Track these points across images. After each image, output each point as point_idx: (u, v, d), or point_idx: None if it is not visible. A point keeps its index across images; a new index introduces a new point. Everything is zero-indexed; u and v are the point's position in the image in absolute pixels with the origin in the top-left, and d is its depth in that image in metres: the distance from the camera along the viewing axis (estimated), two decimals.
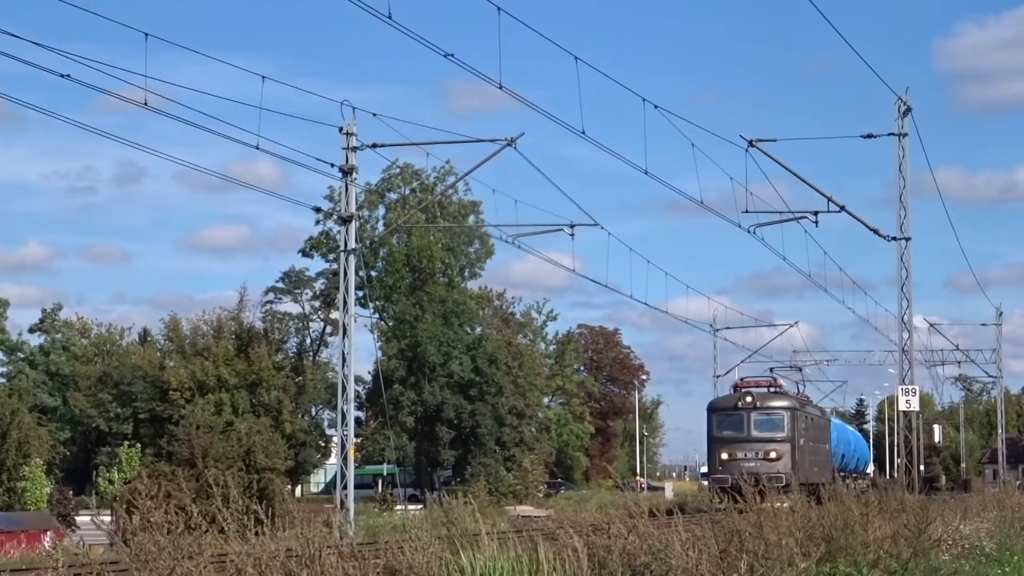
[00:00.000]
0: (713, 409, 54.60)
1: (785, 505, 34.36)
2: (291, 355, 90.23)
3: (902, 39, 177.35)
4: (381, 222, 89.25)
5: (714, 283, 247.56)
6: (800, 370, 67.48)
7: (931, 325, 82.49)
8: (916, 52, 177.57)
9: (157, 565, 10.53)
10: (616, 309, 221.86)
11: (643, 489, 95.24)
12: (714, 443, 52.39)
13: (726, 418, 52.61)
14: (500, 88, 29.52)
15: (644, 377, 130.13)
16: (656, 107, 36.40)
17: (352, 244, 39.29)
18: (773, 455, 50.50)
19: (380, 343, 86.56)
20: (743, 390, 53.71)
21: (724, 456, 50.99)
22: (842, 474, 64.58)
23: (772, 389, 54.93)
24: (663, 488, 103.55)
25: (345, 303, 39.56)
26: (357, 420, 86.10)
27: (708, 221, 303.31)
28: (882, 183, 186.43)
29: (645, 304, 54.03)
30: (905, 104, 45.16)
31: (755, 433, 51.28)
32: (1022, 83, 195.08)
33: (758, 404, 52.13)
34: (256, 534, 11.00)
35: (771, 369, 65.26)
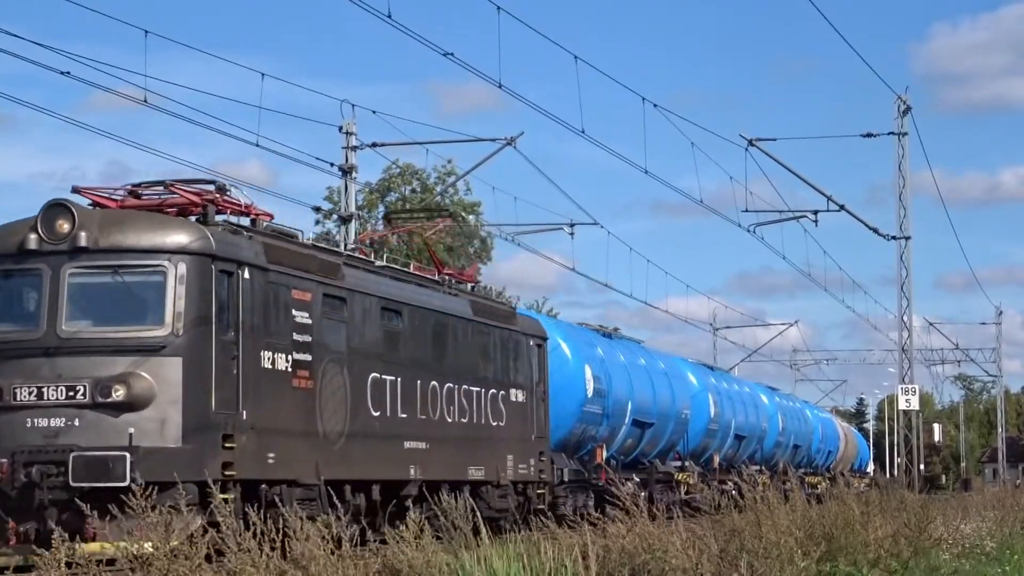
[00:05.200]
0: None
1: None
2: None
3: (878, 41, 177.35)
4: (380, 223, 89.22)
5: (708, 283, 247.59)
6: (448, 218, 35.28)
7: (931, 324, 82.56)
8: (892, 54, 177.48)
9: (154, 566, 10.50)
10: (608, 308, 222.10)
11: None
12: None
13: None
14: (500, 87, 29.42)
15: None
16: (656, 106, 36.30)
17: (352, 244, 39.24)
18: (120, 393, 17.32)
19: None
20: (53, 207, 17.86)
21: None
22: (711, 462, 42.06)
23: (159, 208, 18.83)
24: None
25: None
26: None
27: (704, 220, 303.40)
28: (870, 183, 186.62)
29: (645, 303, 53.49)
30: (905, 103, 45.17)
31: (70, 327, 17.66)
32: (1001, 85, 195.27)
33: (87, 243, 17.78)
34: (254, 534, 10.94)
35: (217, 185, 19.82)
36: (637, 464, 36.43)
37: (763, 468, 47.30)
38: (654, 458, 37.52)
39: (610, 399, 33.36)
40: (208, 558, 11.20)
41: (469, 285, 27.28)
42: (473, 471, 24.57)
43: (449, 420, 23.91)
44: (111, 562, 11.88)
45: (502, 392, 26.25)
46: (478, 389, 25.24)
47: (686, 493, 37.83)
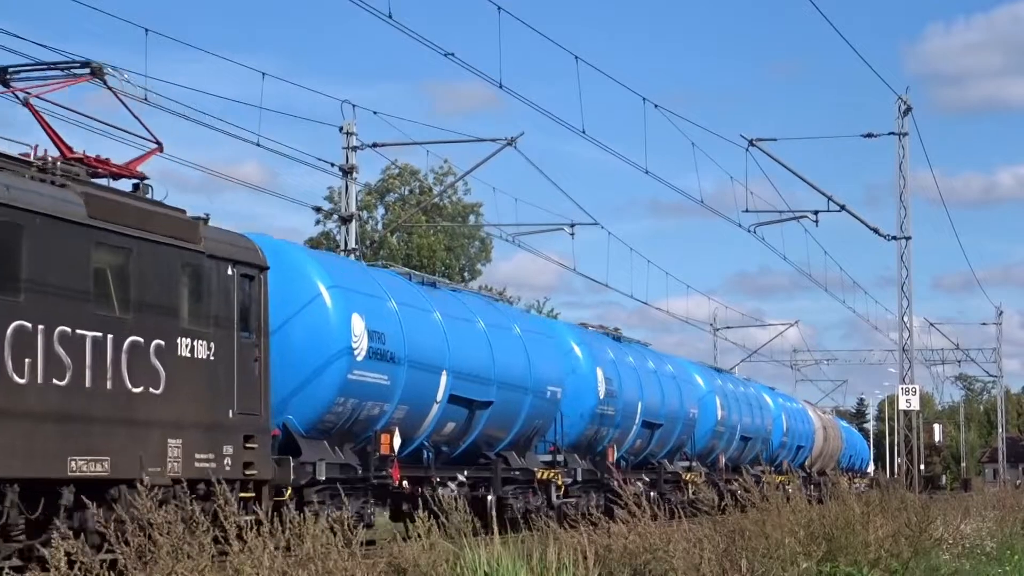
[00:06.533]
0: None
1: None
2: None
3: (873, 42, 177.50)
4: (380, 223, 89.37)
5: (708, 283, 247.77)
6: None
7: (931, 324, 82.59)
8: (887, 55, 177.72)
9: (157, 565, 10.52)
10: (606, 309, 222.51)
11: None
12: None
13: None
14: (500, 87, 29.44)
15: None
16: (656, 106, 36.30)
17: (352, 244, 39.27)
18: None
19: None
20: None
21: None
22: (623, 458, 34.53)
23: None
24: None
25: None
26: None
27: (704, 220, 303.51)
28: (870, 183, 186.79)
29: (644, 303, 53.25)
30: (905, 103, 45.21)
31: None
32: (995, 85, 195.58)
33: None
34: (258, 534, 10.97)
35: None
36: (478, 459, 27.39)
37: (693, 464, 40.58)
38: (505, 450, 28.15)
39: (403, 365, 23.46)
40: None
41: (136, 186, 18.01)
42: (81, 464, 15.65)
43: (22, 381, 14.88)
44: (113, 563, 11.91)
45: (158, 342, 16.98)
46: (97, 334, 15.99)
47: (561, 496, 29.83)
